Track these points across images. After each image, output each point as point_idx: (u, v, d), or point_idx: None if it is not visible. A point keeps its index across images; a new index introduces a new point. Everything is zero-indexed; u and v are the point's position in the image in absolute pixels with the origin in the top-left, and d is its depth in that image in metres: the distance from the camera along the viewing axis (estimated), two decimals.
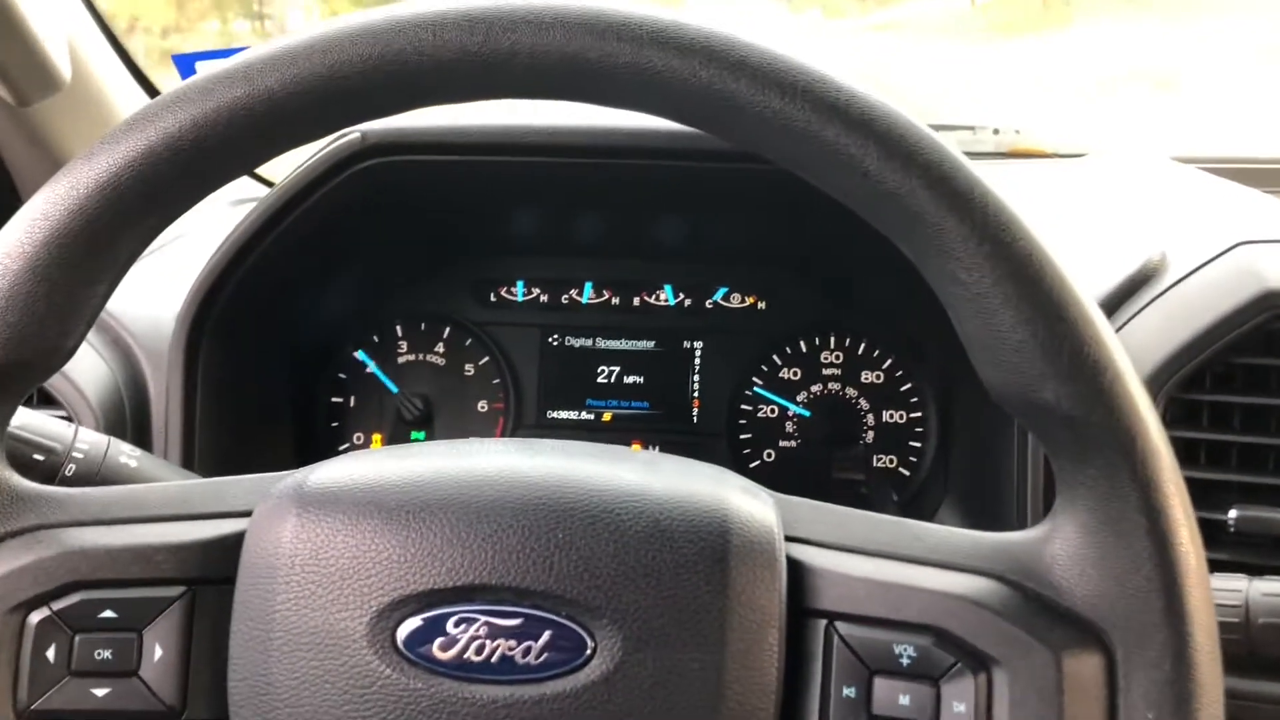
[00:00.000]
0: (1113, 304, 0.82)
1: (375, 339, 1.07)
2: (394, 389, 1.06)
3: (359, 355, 1.07)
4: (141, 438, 0.87)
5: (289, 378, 1.03)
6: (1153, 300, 0.80)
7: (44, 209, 0.44)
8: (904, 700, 0.44)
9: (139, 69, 1.12)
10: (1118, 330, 0.79)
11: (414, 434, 1.06)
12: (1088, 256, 0.88)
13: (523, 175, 0.92)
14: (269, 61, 0.43)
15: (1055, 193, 1.11)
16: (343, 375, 1.07)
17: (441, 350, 1.07)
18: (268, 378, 1.00)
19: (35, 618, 0.45)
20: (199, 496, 0.50)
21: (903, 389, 1.05)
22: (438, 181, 0.93)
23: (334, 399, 1.07)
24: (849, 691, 0.45)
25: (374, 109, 0.46)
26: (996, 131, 1.43)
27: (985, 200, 0.42)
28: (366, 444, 1.06)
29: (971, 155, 1.34)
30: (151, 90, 1.15)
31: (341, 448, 1.06)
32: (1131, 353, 0.74)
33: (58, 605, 0.46)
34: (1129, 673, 0.43)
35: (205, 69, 0.45)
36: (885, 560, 0.47)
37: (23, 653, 0.45)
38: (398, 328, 1.07)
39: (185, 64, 1.12)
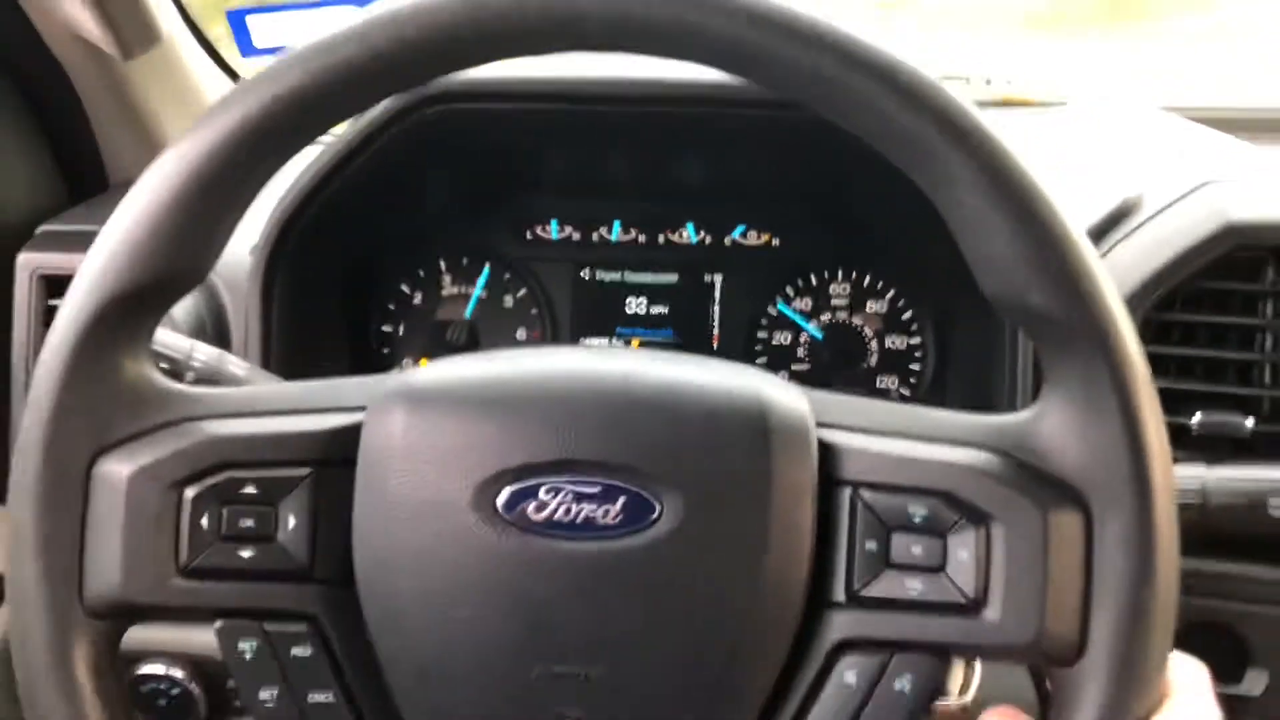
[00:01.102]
0: (1095, 236, 0.89)
1: (421, 273, 1.14)
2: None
3: (405, 288, 1.14)
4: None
5: (345, 307, 1.10)
6: (1130, 233, 0.87)
7: (187, 150, 0.50)
8: (916, 550, 0.51)
9: (202, 32, 1.15)
10: (1101, 258, 0.87)
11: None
12: (1074, 194, 0.95)
13: (559, 122, 0.98)
14: (377, 22, 0.49)
15: (1046, 137, 1.17)
16: (391, 306, 1.14)
17: (482, 283, 1.15)
18: (328, 307, 1.07)
19: (190, 492, 0.51)
20: (317, 394, 0.56)
21: (904, 317, 1.13)
22: (485, 127, 0.99)
23: (384, 328, 1.14)
24: (871, 545, 0.51)
25: (467, 60, 0.51)
26: (989, 82, 1.49)
27: (985, 139, 0.49)
28: (414, 368, 1.13)
29: None
30: (218, 57, 1.19)
31: (391, 372, 1.13)
32: (1111, 279, 0.83)
33: (208, 482, 0.51)
34: (1102, 524, 0.49)
35: (314, 33, 0.51)
36: (900, 439, 0.53)
37: (181, 521, 0.51)
38: (441, 262, 1.14)
39: (237, 19, 1.16)
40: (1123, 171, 0.98)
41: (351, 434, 0.53)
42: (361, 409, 0.54)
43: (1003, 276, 0.50)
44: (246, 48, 1.14)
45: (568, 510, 0.51)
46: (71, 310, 0.51)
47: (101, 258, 0.51)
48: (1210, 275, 0.84)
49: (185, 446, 0.52)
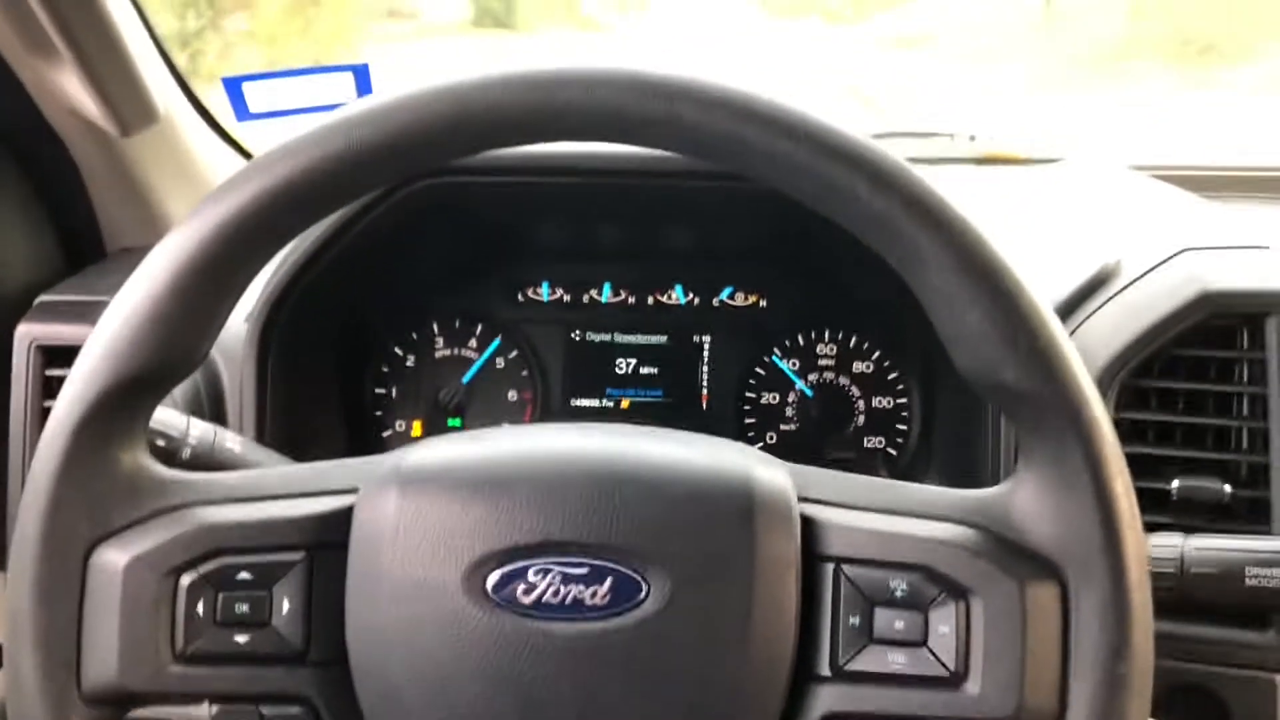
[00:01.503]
0: (1074, 302, 0.91)
1: (414, 336, 1.15)
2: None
3: (399, 350, 1.15)
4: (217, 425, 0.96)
5: (338, 370, 1.11)
6: (1109, 299, 0.89)
7: (183, 241, 0.51)
8: (899, 625, 0.52)
9: (202, 104, 1.17)
10: (1078, 326, 0.89)
11: (451, 421, 1.14)
12: (1052, 259, 0.96)
13: (550, 192, 1.00)
14: (366, 117, 0.51)
15: (1024, 198, 1.20)
16: (385, 369, 1.15)
17: (474, 345, 1.15)
18: (322, 372, 1.08)
19: (186, 579, 0.52)
20: (309, 478, 0.57)
21: (890, 378, 1.14)
22: (477, 199, 1.02)
23: (378, 390, 1.15)
24: (854, 620, 0.53)
25: (455, 153, 0.54)
26: (973, 138, 1.52)
27: (951, 219, 0.51)
28: (408, 431, 1.14)
29: (949, 160, 1.45)
30: (215, 125, 1.21)
31: (385, 434, 1.14)
32: (1090, 345, 0.86)
33: (203, 569, 0.53)
34: (1078, 596, 0.51)
35: (308, 121, 0.53)
36: (880, 514, 0.55)
37: (177, 608, 0.52)
38: (434, 325, 1.15)
39: (233, 86, 1.18)
40: (1102, 235, 1.00)
41: (343, 517, 0.54)
42: (353, 491, 0.55)
43: (975, 353, 0.52)
44: (242, 113, 1.16)
45: (556, 591, 0.52)
46: (67, 403, 0.52)
47: (96, 351, 0.52)
48: (1187, 342, 0.85)
49: (180, 534, 0.53)
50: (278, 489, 0.56)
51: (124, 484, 0.54)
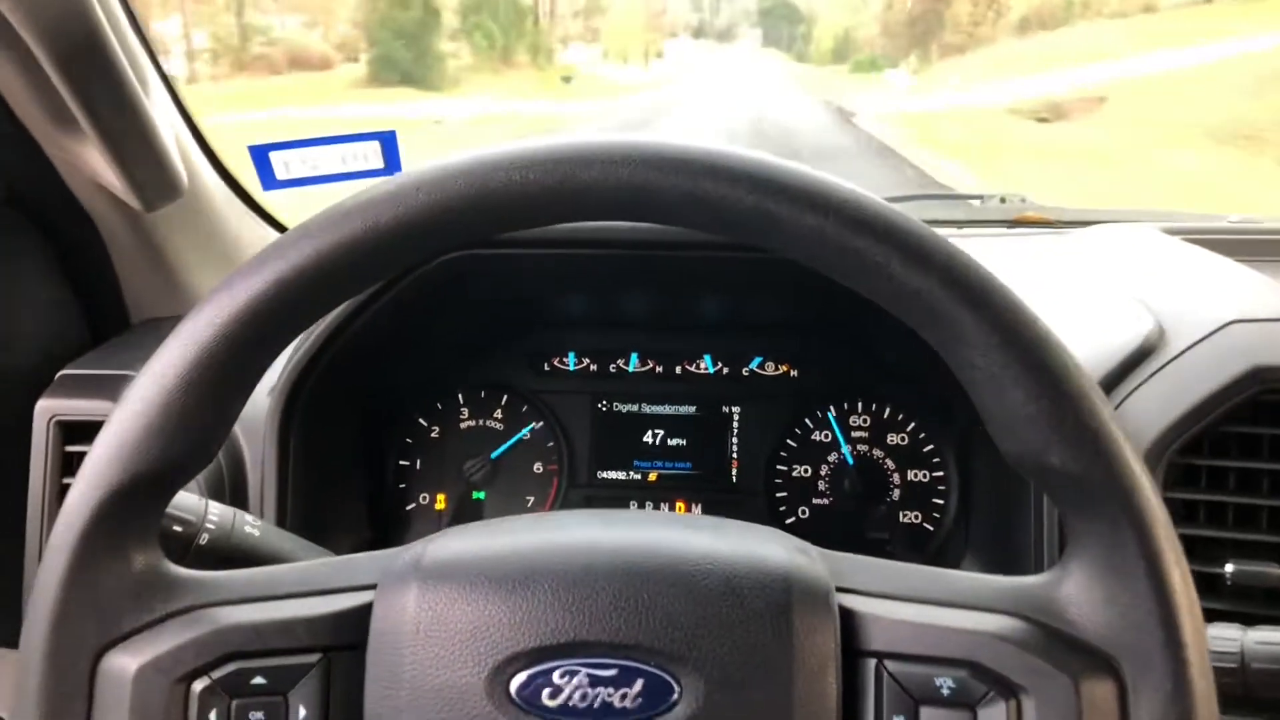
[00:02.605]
0: (1117, 376, 0.88)
1: (439, 407, 1.14)
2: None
3: (424, 421, 1.14)
4: (238, 501, 0.94)
5: (362, 444, 1.10)
6: (1154, 374, 0.86)
7: (193, 334, 0.50)
8: None
9: (232, 176, 1.17)
10: (1123, 400, 0.86)
11: (475, 494, 1.13)
12: (1091, 328, 0.94)
13: (575, 263, 0.99)
14: (383, 200, 0.50)
15: (1059, 263, 1.18)
16: (409, 440, 1.14)
17: (500, 416, 1.14)
18: (345, 445, 1.07)
19: (198, 686, 0.50)
20: (327, 574, 0.55)
21: (925, 449, 1.12)
22: (501, 270, 1.01)
23: (401, 462, 1.14)
24: None
25: (469, 236, 0.52)
26: (1003, 200, 1.51)
27: (993, 295, 0.49)
28: (431, 503, 1.13)
29: (979, 223, 1.43)
30: (245, 196, 1.21)
31: (409, 507, 1.12)
32: (1136, 422, 0.83)
33: (216, 674, 0.50)
34: (1137, 694, 0.48)
35: (330, 196, 0.52)
36: (923, 605, 0.52)
37: (190, 716, 0.50)
38: (459, 396, 1.14)
39: (260, 154, 1.19)
40: (1142, 304, 0.97)
41: (361, 615, 0.52)
42: (371, 587, 0.53)
43: (1019, 436, 0.50)
44: (268, 181, 1.16)
45: (584, 695, 0.50)
46: (76, 504, 0.51)
47: (106, 450, 0.51)
48: (1237, 418, 0.82)
49: (192, 638, 0.51)
50: (293, 587, 0.54)
51: (134, 586, 0.52)
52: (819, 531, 1.11)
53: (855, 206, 0.49)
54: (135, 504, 0.51)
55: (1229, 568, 0.79)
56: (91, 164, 0.86)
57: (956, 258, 0.49)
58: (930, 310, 0.49)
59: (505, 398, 1.15)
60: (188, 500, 0.73)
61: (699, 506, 1.13)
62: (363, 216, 0.50)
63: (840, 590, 0.53)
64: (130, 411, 0.50)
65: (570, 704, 0.49)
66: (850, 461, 1.12)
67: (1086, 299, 1.04)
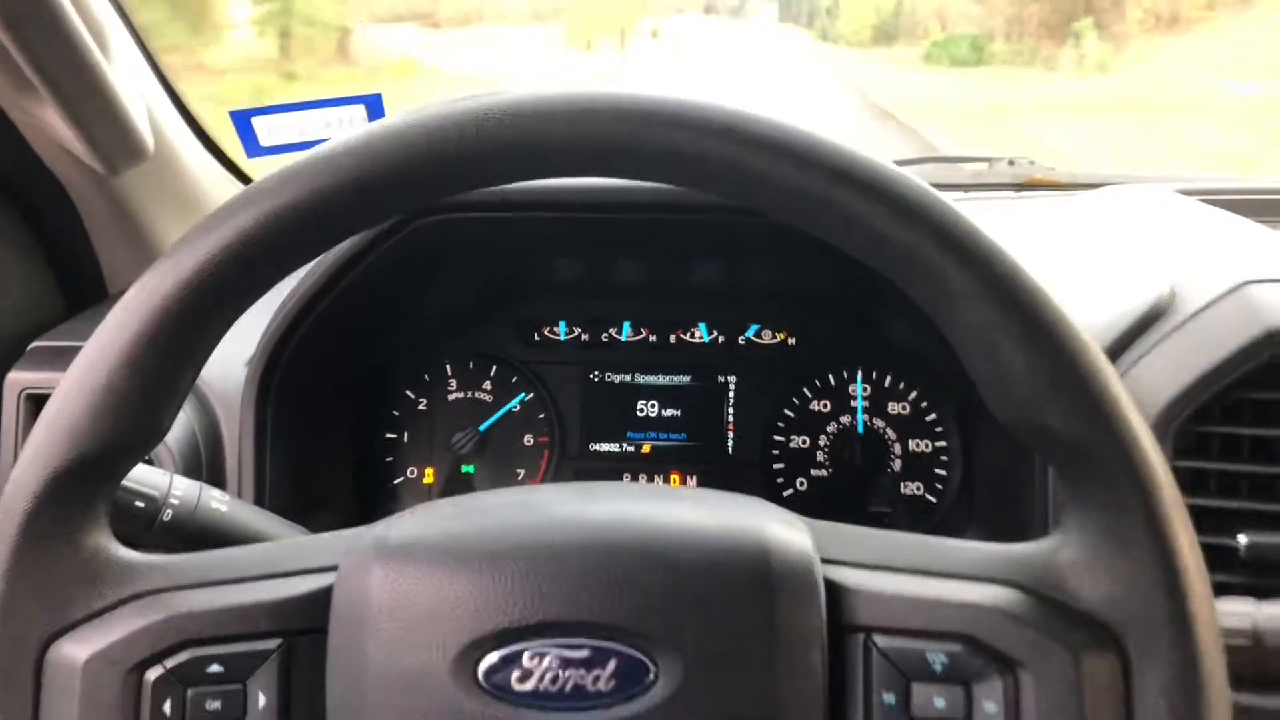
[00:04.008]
0: (1126, 340, 0.84)
1: (426, 378, 1.11)
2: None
3: (411, 394, 1.11)
4: (215, 476, 0.92)
5: (347, 417, 1.08)
6: (1164, 337, 0.83)
7: (135, 307, 0.48)
8: (939, 703, 0.48)
9: (211, 138, 1.14)
10: (1132, 365, 0.83)
11: (464, 467, 1.10)
12: (1100, 291, 0.91)
13: (564, 227, 0.96)
14: (327, 161, 0.47)
15: (1068, 225, 1.14)
16: (396, 413, 1.11)
17: (489, 388, 1.12)
18: (328, 418, 1.04)
19: (151, 675, 0.48)
20: (286, 555, 0.53)
21: (927, 419, 1.09)
22: (486, 235, 0.97)
23: (388, 435, 1.11)
24: (889, 698, 0.48)
25: (428, 195, 0.50)
26: (1011, 163, 1.47)
27: (984, 250, 0.46)
28: (420, 478, 1.10)
29: (987, 187, 1.40)
30: (224, 158, 1.18)
31: (396, 481, 1.10)
32: (1145, 387, 0.79)
33: (170, 663, 0.48)
34: (1141, 668, 0.46)
35: (279, 163, 0.49)
36: (913, 575, 0.50)
37: (142, 707, 0.48)
38: (447, 367, 1.12)
39: (242, 120, 1.16)
40: (1153, 265, 0.93)
41: (322, 598, 0.50)
42: (333, 569, 0.51)
43: (1013, 396, 0.47)
44: (252, 149, 1.13)
45: (554, 678, 0.47)
46: (17, 487, 0.48)
47: (47, 430, 0.48)
48: (1251, 384, 0.78)
49: (144, 625, 0.49)
50: (251, 570, 0.52)
51: (83, 571, 0.50)
52: (818, 504, 1.08)
53: (837, 158, 0.47)
54: (81, 485, 0.49)
55: (1242, 539, 0.76)
56: (54, 127, 0.84)
57: (944, 210, 0.47)
58: (918, 266, 0.47)
59: (494, 368, 1.12)
60: (151, 475, 0.71)
61: (694, 479, 1.11)
62: (312, 177, 0.47)
63: (826, 562, 0.50)
64: (72, 389, 0.48)
65: (540, 688, 0.47)
66: (861, 430, 1.09)
67: (1096, 262, 1.00)
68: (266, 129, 1.13)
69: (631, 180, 0.50)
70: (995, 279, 0.46)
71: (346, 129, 1.11)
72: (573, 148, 0.48)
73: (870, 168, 0.47)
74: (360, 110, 1.12)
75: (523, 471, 1.11)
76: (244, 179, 1.23)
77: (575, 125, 0.47)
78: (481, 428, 1.10)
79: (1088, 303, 0.89)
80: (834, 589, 0.49)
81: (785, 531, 0.51)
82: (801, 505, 1.04)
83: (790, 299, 1.11)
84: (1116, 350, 0.84)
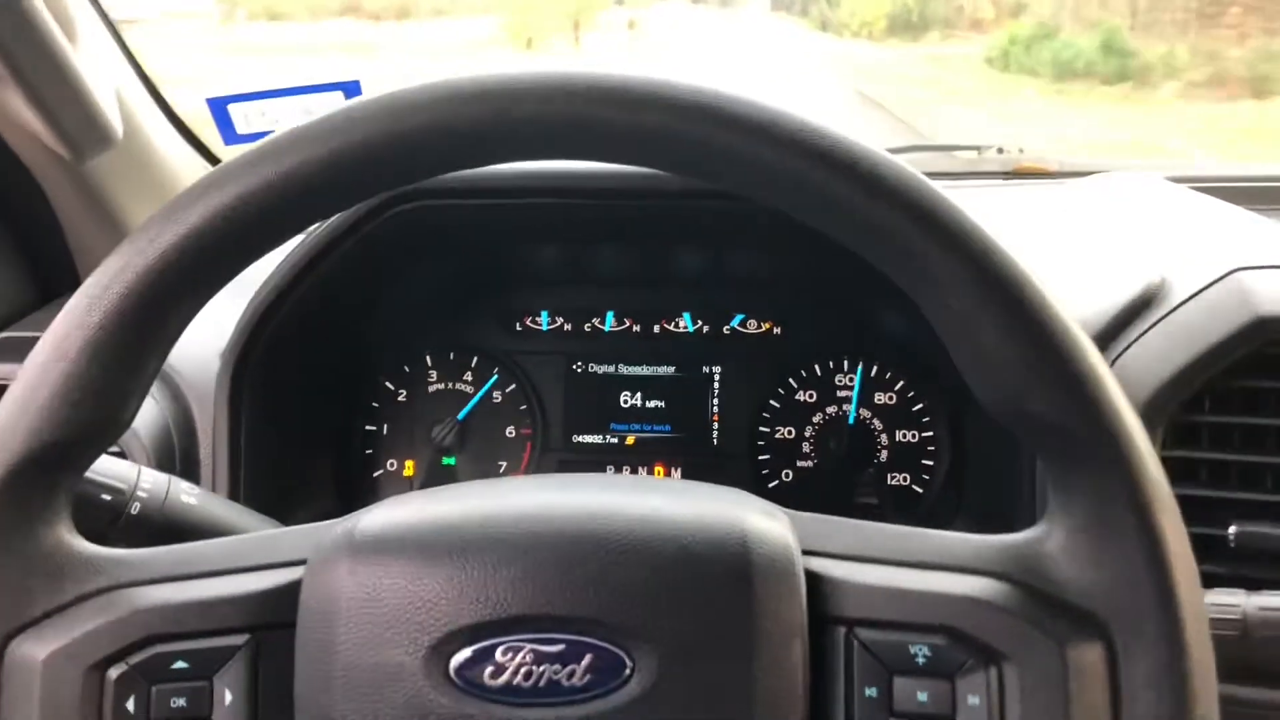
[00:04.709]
0: (1115, 327, 0.84)
1: (406, 369, 1.10)
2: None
3: (390, 385, 1.10)
4: (190, 469, 0.90)
5: (325, 408, 1.06)
6: (1154, 325, 0.82)
7: (97, 293, 0.46)
8: (922, 697, 0.47)
9: (184, 124, 1.13)
10: (1121, 353, 0.82)
11: (445, 460, 1.09)
12: (1090, 279, 0.90)
13: (544, 214, 0.95)
14: (298, 142, 0.46)
15: (1058, 213, 1.14)
16: (375, 404, 1.09)
17: (470, 379, 1.10)
18: (305, 409, 1.02)
19: (114, 673, 0.47)
20: (253, 549, 0.52)
21: (915, 409, 1.07)
22: (465, 222, 0.96)
23: (368, 427, 1.09)
24: (871, 692, 0.47)
25: (396, 179, 0.49)
26: (1000, 151, 1.46)
27: (965, 231, 0.45)
28: (400, 470, 1.09)
29: (977, 175, 1.39)
30: (198, 144, 1.17)
31: (376, 474, 1.09)
32: (1134, 375, 0.78)
33: (133, 660, 0.47)
34: (1128, 658, 0.45)
35: (243, 149, 0.47)
36: (895, 567, 0.49)
37: (105, 706, 0.47)
38: (428, 358, 1.10)
39: (218, 107, 1.14)
40: (1144, 253, 0.92)
41: (290, 593, 0.49)
42: (301, 563, 0.50)
43: (997, 382, 0.47)
44: (229, 136, 1.12)
45: (528, 673, 0.46)
46: None
47: (5, 421, 0.47)
48: (1241, 372, 0.78)
49: (107, 621, 0.48)
50: (218, 564, 0.51)
51: (43, 566, 0.49)
52: (804, 495, 1.07)
53: (814, 137, 0.46)
54: (41, 476, 0.48)
55: (1232, 529, 0.76)
56: (19, 113, 0.82)
57: (925, 191, 0.46)
58: (898, 248, 0.46)
59: (475, 359, 1.10)
60: (118, 467, 0.69)
61: (679, 470, 1.10)
62: (276, 161, 0.46)
63: (806, 553, 0.50)
64: (31, 378, 0.47)
65: (514, 683, 0.46)
66: (829, 428, 1.08)
67: (1085, 249, 0.99)
68: (244, 115, 1.11)
69: (602, 163, 0.48)
70: (977, 262, 0.45)
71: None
72: (539, 128, 0.47)
73: (850, 148, 0.46)
74: (339, 96, 1.10)
75: (505, 463, 1.10)
76: (216, 162, 1.21)
77: (546, 105, 0.46)
78: (460, 416, 1.09)
79: (1078, 291, 0.89)
80: (815, 580, 0.49)
81: (764, 522, 0.50)
82: (787, 496, 1.03)
83: (775, 288, 1.09)
84: (1106, 338, 0.83)
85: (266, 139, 0.47)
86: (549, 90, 0.46)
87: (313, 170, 0.46)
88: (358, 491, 1.08)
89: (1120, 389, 0.46)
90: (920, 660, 0.47)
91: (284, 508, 0.89)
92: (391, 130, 0.46)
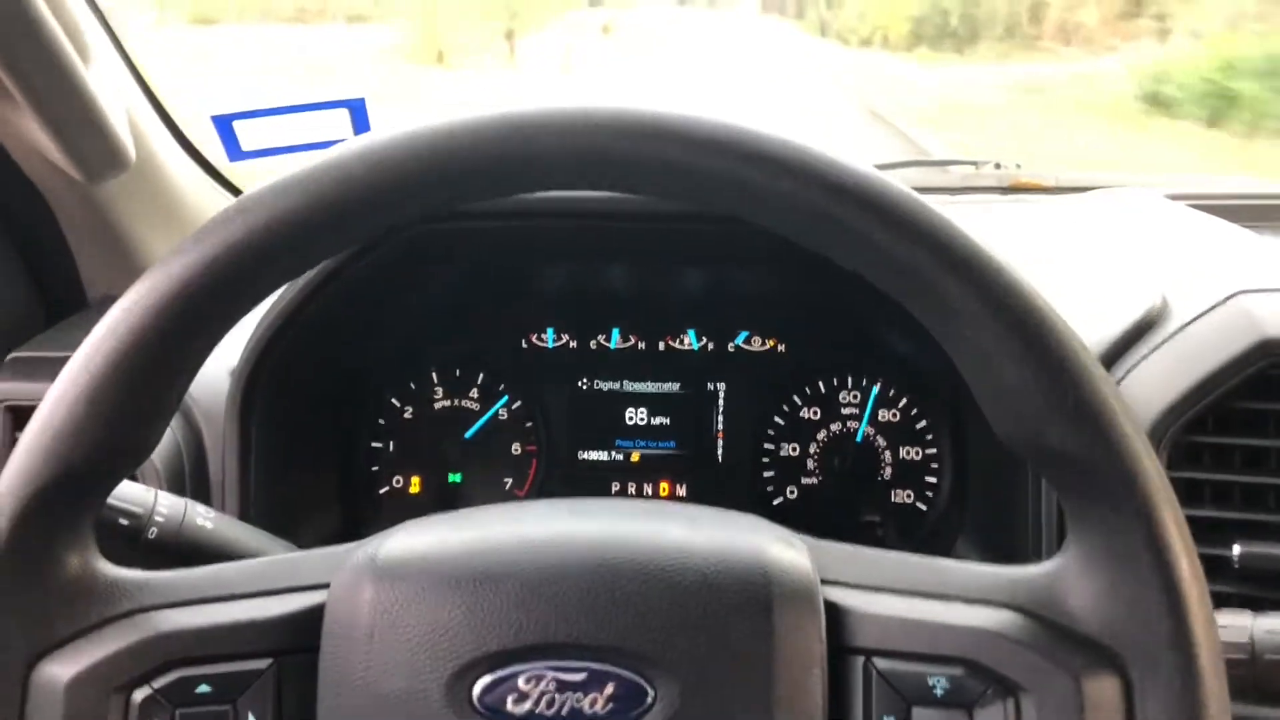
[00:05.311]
0: (1118, 350, 0.84)
1: (412, 386, 1.10)
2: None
3: (396, 402, 1.10)
4: (200, 489, 0.90)
5: (331, 426, 1.06)
6: (1156, 347, 0.83)
7: (125, 318, 0.47)
8: None
9: (193, 145, 1.12)
10: (1124, 376, 0.83)
11: (451, 476, 1.09)
12: (1091, 299, 0.90)
13: (553, 235, 0.95)
14: (321, 172, 0.47)
15: (1057, 231, 1.14)
16: (381, 421, 1.09)
17: (475, 395, 1.10)
18: (313, 427, 1.03)
19: (139, 696, 0.48)
20: (277, 572, 0.52)
21: (918, 426, 1.08)
22: (472, 242, 0.96)
23: (373, 444, 1.09)
24: None
25: (417, 210, 0.49)
26: (998, 166, 1.47)
27: (984, 264, 0.46)
28: (405, 486, 1.09)
29: (975, 190, 1.39)
30: (208, 167, 1.16)
31: (381, 490, 1.09)
32: (1137, 398, 0.79)
33: (158, 683, 0.48)
34: (1144, 691, 0.46)
35: (263, 184, 0.48)
36: (914, 598, 0.50)
37: None
38: (433, 375, 1.10)
39: (223, 125, 1.14)
40: (1144, 273, 0.93)
41: (314, 617, 0.50)
42: (324, 587, 0.50)
43: (1014, 414, 0.47)
44: (234, 153, 1.12)
45: (551, 701, 0.47)
46: (0, 502, 0.47)
47: (32, 444, 0.47)
48: (1244, 394, 0.78)
49: (131, 644, 0.48)
50: (240, 587, 0.51)
51: (68, 589, 0.49)
52: (808, 513, 1.07)
53: (834, 171, 0.46)
54: (66, 503, 0.48)
55: (1236, 549, 0.76)
56: (32, 135, 0.82)
57: (943, 225, 0.46)
58: (916, 281, 0.46)
59: (481, 376, 1.10)
60: (135, 491, 0.70)
61: (684, 487, 1.10)
62: (302, 190, 0.47)
63: (826, 582, 0.50)
64: (57, 404, 0.47)
65: (536, 711, 0.47)
66: (833, 445, 1.08)
67: (1086, 269, 1.00)
68: (249, 133, 1.11)
69: (621, 194, 0.49)
70: (997, 297, 0.46)
71: (329, 133, 1.10)
72: (563, 161, 0.47)
73: (868, 181, 0.46)
74: (343, 114, 1.10)
75: (510, 480, 1.10)
76: (227, 186, 1.22)
77: (566, 138, 0.47)
78: (468, 434, 1.09)
79: (1079, 311, 0.89)
80: (834, 610, 0.49)
81: (785, 551, 0.50)
82: (791, 513, 1.03)
83: (780, 306, 1.10)
84: (1109, 359, 0.84)
85: (293, 170, 0.47)
86: (577, 122, 0.47)
87: (339, 199, 0.47)
88: (363, 508, 1.08)
89: (1138, 425, 0.46)
90: (939, 691, 0.48)
91: (291, 526, 0.90)
92: (423, 160, 0.47)
